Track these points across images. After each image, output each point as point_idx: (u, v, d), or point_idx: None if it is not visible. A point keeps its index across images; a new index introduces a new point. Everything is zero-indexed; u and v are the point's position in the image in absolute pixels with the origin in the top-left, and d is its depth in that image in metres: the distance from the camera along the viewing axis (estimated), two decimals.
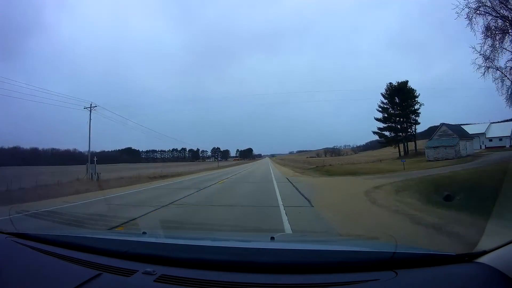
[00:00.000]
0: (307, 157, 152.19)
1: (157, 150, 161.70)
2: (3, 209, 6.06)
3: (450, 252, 1.37)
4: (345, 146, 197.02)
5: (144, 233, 2.10)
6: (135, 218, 6.24)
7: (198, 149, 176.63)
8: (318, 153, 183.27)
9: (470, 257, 1.28)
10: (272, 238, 1.98)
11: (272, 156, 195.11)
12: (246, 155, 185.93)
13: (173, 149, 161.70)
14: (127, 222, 5.74)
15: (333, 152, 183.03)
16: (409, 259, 1.32)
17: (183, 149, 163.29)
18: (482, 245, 1.35)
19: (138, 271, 1.33)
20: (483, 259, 1.24)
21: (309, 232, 4.52)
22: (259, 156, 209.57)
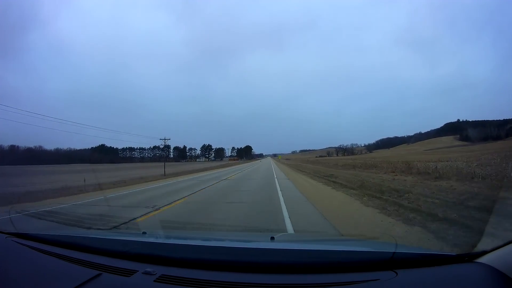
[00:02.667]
0: (317, 157, 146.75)
1: (136, 148, 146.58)
2: None
3: (450, 252, 1.36)
4: (352, 144, 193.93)
5: (144, 233, 2.10)
6: None
7: (185, 147, 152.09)
8: (328, 152, 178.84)
9: (470, 257, 1.28)
10: (272, 238, 1.98)
11: (274, 155, 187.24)
12: (244, 154, 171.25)
13: (154, 147, 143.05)
14: None
15: (346, 150, 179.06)
16: (409, 259, 1.32)
17: (167, 147, 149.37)
18: (482, 245, 1.34)
19: (138, 271, 1.33)
20: (483, 259, 1.24)
21: (309, 232, 4.48)
22: (260, 156, 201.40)
